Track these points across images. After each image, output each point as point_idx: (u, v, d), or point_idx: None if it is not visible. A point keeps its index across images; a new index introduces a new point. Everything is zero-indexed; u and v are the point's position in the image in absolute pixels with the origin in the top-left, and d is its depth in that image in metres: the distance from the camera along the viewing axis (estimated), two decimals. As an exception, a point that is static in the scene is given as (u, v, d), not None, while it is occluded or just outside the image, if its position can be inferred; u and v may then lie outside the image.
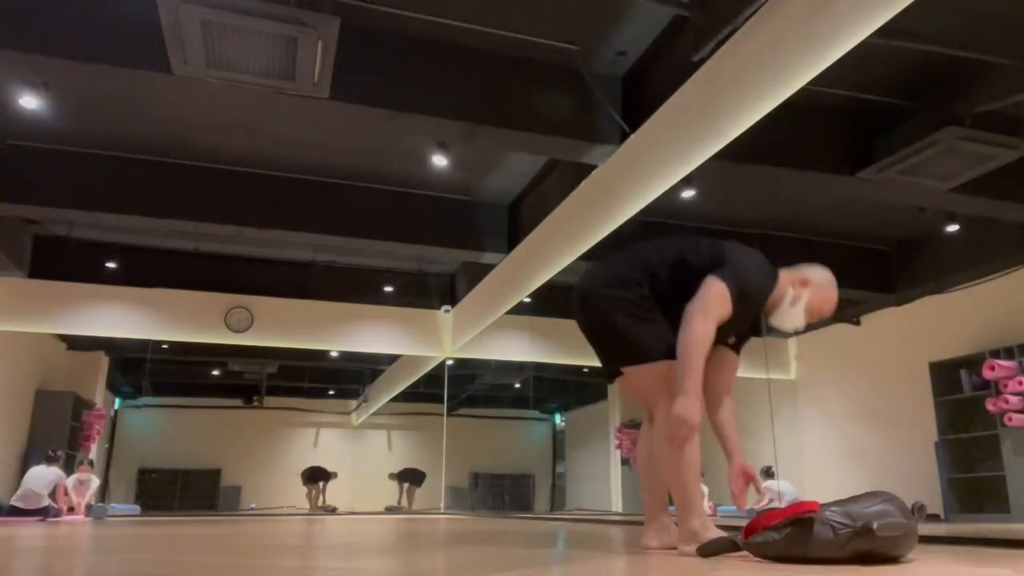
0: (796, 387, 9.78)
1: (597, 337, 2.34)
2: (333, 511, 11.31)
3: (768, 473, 8.21)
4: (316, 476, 11.90)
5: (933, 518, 7.11)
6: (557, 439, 15.90)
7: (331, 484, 11.98)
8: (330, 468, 11.97)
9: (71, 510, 7.51)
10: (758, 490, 2.15)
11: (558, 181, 6.06)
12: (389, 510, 12.03)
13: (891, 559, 1.76)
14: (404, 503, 12.48)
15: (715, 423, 2.34)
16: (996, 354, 6.81)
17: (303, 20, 3.55)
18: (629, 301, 2.22)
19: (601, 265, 2.39)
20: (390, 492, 12.90)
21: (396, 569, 1.75)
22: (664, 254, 2.28)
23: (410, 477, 12.51)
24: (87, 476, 7.85)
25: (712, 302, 2.10)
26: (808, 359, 9.66)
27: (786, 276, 2.35)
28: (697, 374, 2.04)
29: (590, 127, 4.87)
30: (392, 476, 12.63)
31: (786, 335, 9.49)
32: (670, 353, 2.14)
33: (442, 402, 11.08)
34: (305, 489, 11.99)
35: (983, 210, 5.69)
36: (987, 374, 6.76)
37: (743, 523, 1.96)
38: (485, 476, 14.96)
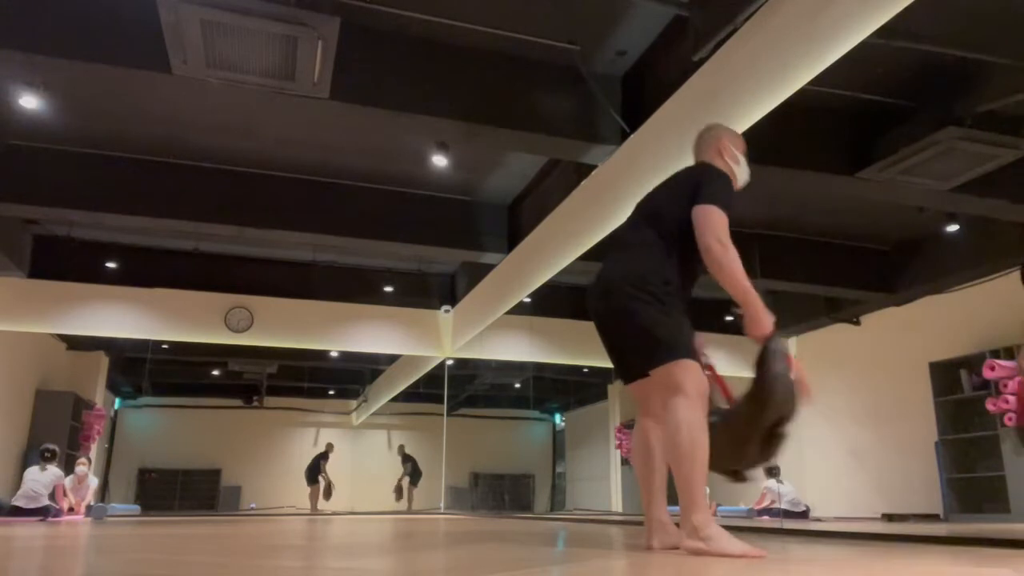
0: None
1: (620, 335, 2.31)
2: (329, 487, 11.46)
3: (770, 472, 8.20)
4: (315, 470, 12.00)
5: (933, 518, 7.11)
6: (557, 439, 15.88)
7: (330, 483, 12.05)
8: (329, 468, 12.03)
9: (71, 510, 7.50)
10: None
11: (558, 181, 6.06)
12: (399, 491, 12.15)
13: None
14: (404, 492, 12.59)
15: None
16: (996, 354, 6.80)
17: (303, 20, 3.55)
18: (654, 295, 2.21)
19: (620, 260, 2.38)
20: (390, 492, 12.91)
21: (396, 569, 1.75)
22: (662, 230, 2.32)
23: (412, 465, 12.65)
24: (84, 471, 7.84)
25: (718, 229, 2.22)
26: (808, 359, 9.63)
27: (715, 159, 2.52)
28: (753, 292, 2.19)
29: (590, 127, 4.87)
30: (400, 451, 12.81)
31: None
32: (690, 352, 2.18)
33: (442, 402, 11.08)
34: (308, 489, 12.04)
35: (983, 210, 5.69)
36: (987, 374, 6.76)
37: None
38: (485, 476, 14.94)
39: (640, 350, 2.23)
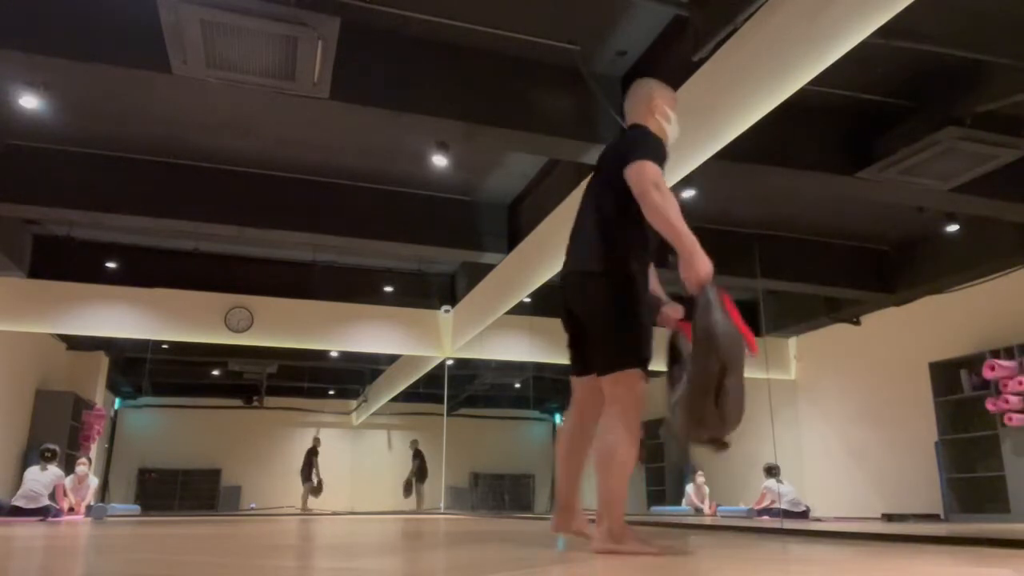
0: (796, 387, 9.78)
1: (587, 327, 2.33)
2: (319, 484, 11.58)
3: (770, 472, 8.20)
4: (308, 467, 12.05)
5: (933, 518, 7.11)
6: (557, 439, 15.88)
7: (330, 480, 12.08)
8: (328, 468, 12.07)
9: (71, 510, 7.51)
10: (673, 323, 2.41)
11: (558, 181, 6.06)
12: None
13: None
14: (413, 490, 12.62)
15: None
16: (996, 354, 6.81)
17: (303, 20, 3.55)
18: (617, 284, 2.25)
19: (583, 243, 2.38)
20: (390, 492, 12.92)
21: (396, 569, 1.75)
22: (611, 205, 2.34)
23: (420, 463, 12.65)
24: (84, 471, 7.85)
25: (652, 176, 2.21)
26: (808, 359, 9.65)
27: (647, 117, 2.55)
28: (689, 234, 2.13)
29: (590, 127, 4.86)
30: (412, 446, 12.82)
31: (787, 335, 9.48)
32: (642, 359, 2.23)
33: (442, 402, 11.08)
34: (302, 488, 12.10)
35: (983, 210, 5.69)
36: (987, 374, 6.76)
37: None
38: (485, 476, 14.94)
39: (599, 351, 2.29)
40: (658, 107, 2.55)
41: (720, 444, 2.08)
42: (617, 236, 2.29)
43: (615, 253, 2.28)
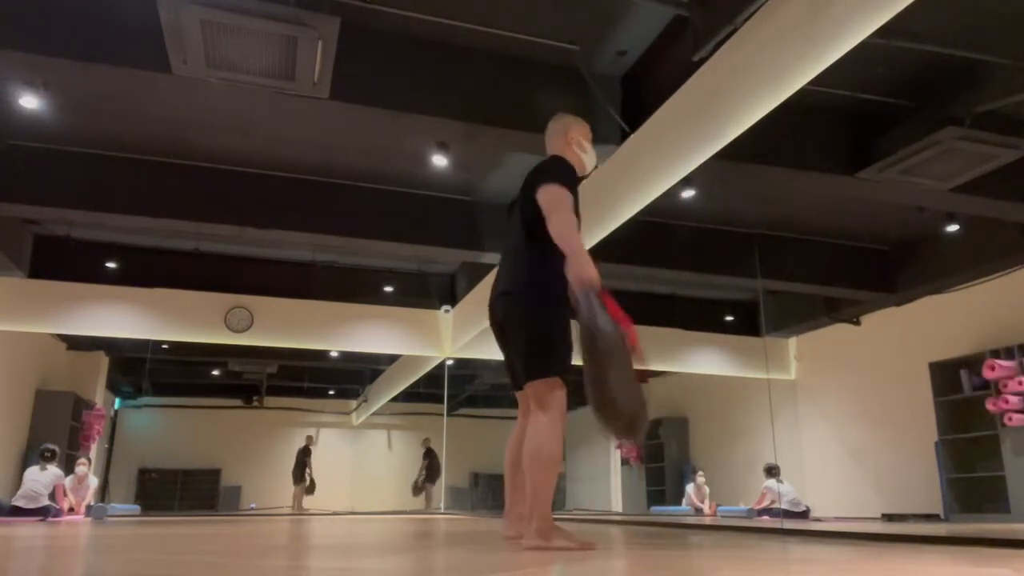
0: (796, 387, 9.77)
1: (510, 344, 2.53)
2: (312, 484, 11.63)
3: (770, 472, 8.20)
4: (302, 467, 12.08)
5: (933, 518, 7.11)
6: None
7: (330, 480, 12.10)
8: (328, 468, 12.07)
9: (71, 510, 7.51)
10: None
11: (558, 181, 6.05)
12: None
13: None
14: (422, 490, 12.63)
15: None
16: (996, 354, 6.80)
17: (303, 20, 3.55)
18: (537, 303, 2.43)
19: (505, 268, 2.61)
20: (390, 492, 12.92)
21: (395, 569, 1.75)
22: (530, 231, 2.51)
23: (430, 462, 12.66)
24: (84, 471, 7.85)
25: (557, 199, 2.42)
26: (808, 359, 9.65)
27: (565, 148, 2.75)
28: (582, 248, 2.33)
29: (590, 127, 4.86)
30: (424, 444, 12.79)
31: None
32: (562, 368, 2.39)
33: (442, 402, 11.08)
34: (294, 489, 12.13)
35: (983, 210, 5.69)
36: (987, 374, 6.76)
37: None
38: (485, 476, 14.92)
39: (522, 362, 2.45)
40: (574, 139, 2.76)
41: (627, 432, 2.16)
42: (536, 260, 2.47)
43: (535, 277, 2.46)
